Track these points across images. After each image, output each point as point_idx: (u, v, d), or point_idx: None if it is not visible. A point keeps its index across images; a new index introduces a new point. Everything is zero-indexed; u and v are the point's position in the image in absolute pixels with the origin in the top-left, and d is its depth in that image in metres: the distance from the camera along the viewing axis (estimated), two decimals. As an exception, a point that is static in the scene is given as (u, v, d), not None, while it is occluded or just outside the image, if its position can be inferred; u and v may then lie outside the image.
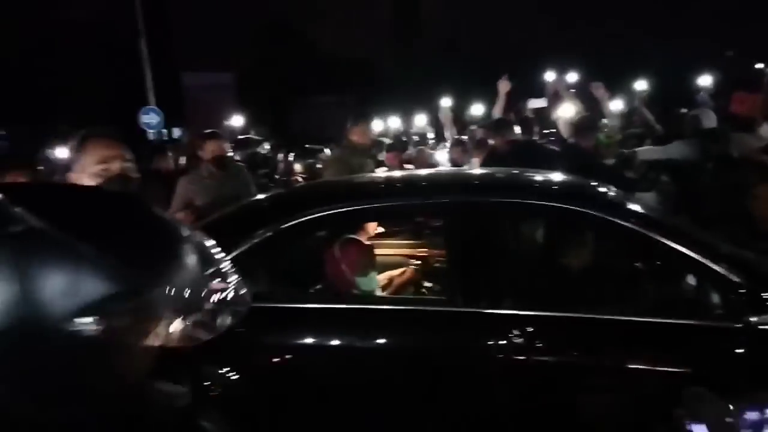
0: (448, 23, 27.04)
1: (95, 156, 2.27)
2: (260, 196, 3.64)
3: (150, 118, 15.57)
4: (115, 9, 19.88)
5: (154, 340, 0.91)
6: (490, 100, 9.88)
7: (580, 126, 5.18)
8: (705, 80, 11.72)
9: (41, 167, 6.40)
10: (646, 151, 5.50)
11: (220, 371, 2.70)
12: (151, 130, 15.53)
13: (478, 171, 4.27)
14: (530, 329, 2.63)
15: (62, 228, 0.85)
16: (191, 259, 1.04)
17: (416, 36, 29.47)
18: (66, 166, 2.46)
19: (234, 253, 2.83)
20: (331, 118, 20.33)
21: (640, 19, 21.45)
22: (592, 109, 6.78)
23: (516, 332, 2.62)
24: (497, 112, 6.92)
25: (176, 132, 22.98)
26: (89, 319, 0.81)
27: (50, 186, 1.67)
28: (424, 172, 4.12)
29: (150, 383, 0.98)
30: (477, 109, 10.30)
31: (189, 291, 0.96)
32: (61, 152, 9.70)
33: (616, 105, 6.99)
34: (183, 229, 1.12)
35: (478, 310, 2.71)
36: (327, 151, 10.19)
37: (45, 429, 0.82)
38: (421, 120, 12.09)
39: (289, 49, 27.47)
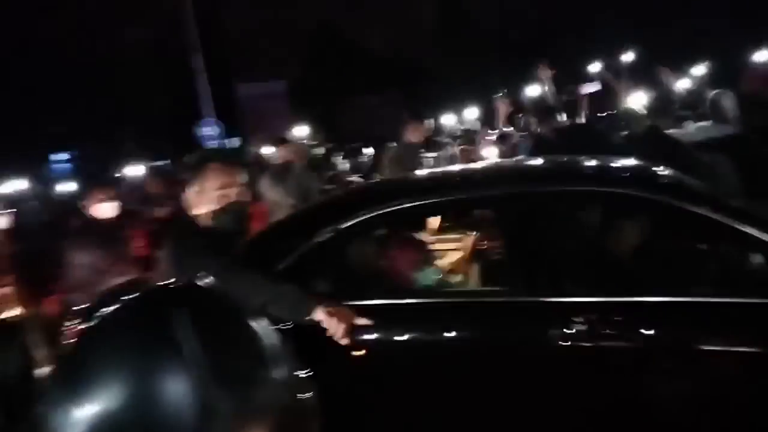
0: (493, 13, 26.76)
1: (216, 182, 2.35)
2: (321, 198, 3.78)
3: (210, 130, 15.93)
4: (170, 26, 20.56)
5: None
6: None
7: (656, 110, 5.13)
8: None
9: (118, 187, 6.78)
10: (689, 133, 5.37)
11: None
12: (212, 142, 15.91)
13: (528, 161, 4.28)
14: (595, 316, 2.65)
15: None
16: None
17: (461, 28, 29.29)
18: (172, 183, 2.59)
19: (295, 255, 2.96)
20: (379, 117, 20.48)
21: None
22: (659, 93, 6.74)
23: (580, 320, 2.65)
24: (548, 96, 6.95)
25: (235, 142, 23.59)
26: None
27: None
28: (478, 165, 4.17)
29: None
30: (533, 90, 10.22)
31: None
32: (132, 170, 10.18)
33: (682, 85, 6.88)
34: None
35: (541, 299, 2.75)
36: (367, 150, 10.32)
37: None
38: (471, 114, 12.02)
39: (337, 51, 27.81)
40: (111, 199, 4.63)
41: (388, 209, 3.02)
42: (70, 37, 22.04)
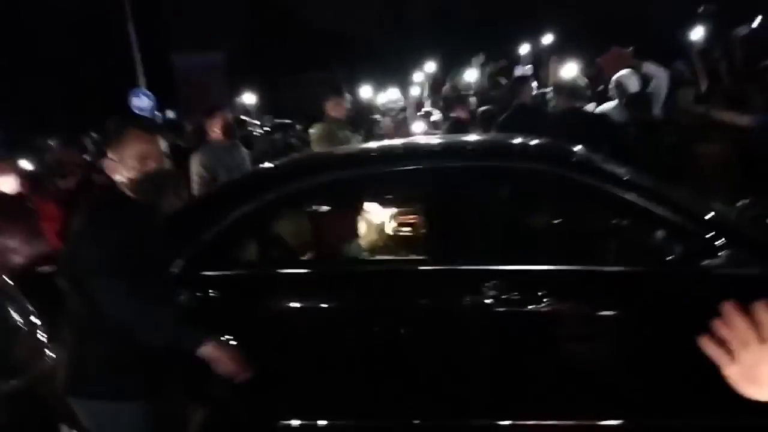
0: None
1: (134, 150, 2.28)
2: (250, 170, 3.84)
3: (141, 102, 15.45)
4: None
5: None
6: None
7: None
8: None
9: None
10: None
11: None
12: (143, 113, 15.48)
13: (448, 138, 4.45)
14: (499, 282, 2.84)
15: None
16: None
17: (404, 7, 29.30)
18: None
19: (228, 222, 3.05)
20: (323, 94, 20.34)
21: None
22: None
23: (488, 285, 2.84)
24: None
25: (169, 114, 22.99)
26: None
27: None
28: (397, 141, 4.31)
29: None
30: (470, 75, 10.35)
31: None
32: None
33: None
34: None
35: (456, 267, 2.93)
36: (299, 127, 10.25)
37: None
38: (393, 93, 11.90)
39: (279, 26, 27.38)
40: (11, 173, 4.51)
41: (311, 183, 3.13)
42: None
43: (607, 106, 5.53)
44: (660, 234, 2.97)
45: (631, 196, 2.93)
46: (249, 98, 9.55)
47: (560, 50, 8.81)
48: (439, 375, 2.95)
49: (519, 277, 2.92)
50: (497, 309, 2.86)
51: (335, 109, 5.24)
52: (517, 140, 3.55)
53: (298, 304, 3.07)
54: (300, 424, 3.01)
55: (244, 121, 12.22)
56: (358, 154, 3.75)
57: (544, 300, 2.89)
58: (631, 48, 6.47)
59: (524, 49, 10.43)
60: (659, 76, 5.77)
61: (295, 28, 27.63)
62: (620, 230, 3.26)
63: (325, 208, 3.61)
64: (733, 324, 0.94)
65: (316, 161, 3.74)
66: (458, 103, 6.82)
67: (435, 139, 3.81)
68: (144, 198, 2.33)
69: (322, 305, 3.06)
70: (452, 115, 6.73)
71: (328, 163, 3.45)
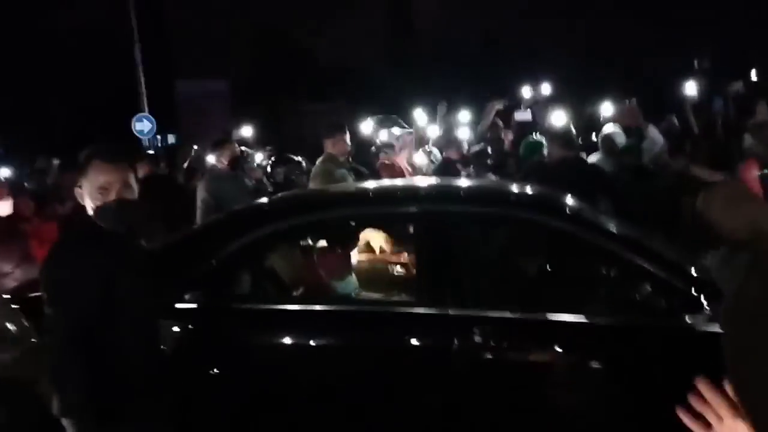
0: (440, 30, 27.27)
1: (96, 180, 2.34)
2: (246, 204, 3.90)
3: (143, 126, 15.64)
4: (111, 16, 20.08)
5: None
6: (477, 105, 10.08)
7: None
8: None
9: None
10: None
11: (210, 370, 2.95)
12: (144, 137, 15.63)
13: (440, 181, 4.50)
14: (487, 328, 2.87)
15: None
16: None
17: (408, 43, 29.73)
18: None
19: (221, 256, 3.09)
20: (324, 127, 20.51)
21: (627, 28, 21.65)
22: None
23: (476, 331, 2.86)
24: (483, 127, 7.40)
25: (170, 138, 23.16)
26: None
27: None
28: (396, 181, 4.38)
29: None
30: (464, 116, 10.39)
31: None
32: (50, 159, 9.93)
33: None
34: None
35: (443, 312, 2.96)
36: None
37: None
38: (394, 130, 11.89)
39: (283, 56, 27.74)
40: (4, 197, 4.61)
41: (309, 220, 3.18)
42: (4, 19, 21.17)
43: (594, 157, 5.63)
44: (647, 288, 3.01)
45: (620, 250, 2.98)
46: (246, 131, 9.67)
47: (557, 97, 8.92)
48: (424, 417, 2.96)
49: (507, 325, 2.95)
50: (485, 355, 2.88)
51: (336, 146, 5.26)
52: (512, 188, 3.61)
53: (286, 340, 3.10)
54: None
55: (243, 152, 12.35)
56: (352, 193, 3.81)
57: (530, 348, 2.93)
58: (634, 100, 6.69)
59: (526, 92, 10.48)
60: (656, 138, 5.98)
61: (298, 59, 28.01)
62: (609, 282, 3.30)
63: (319, 244, 3.65)
64: (706, 399, 0.98)
65: (311, 199, 3.79)
66: (450, 143, 6.89)
67: (430, 182, 3.87)
68: (109, 227, 2.37)
69: (310, 342, 3.09)
70: (443, 155, 6.82)
71: (322, 202, 3.50)
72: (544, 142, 5.74)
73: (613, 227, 3.27)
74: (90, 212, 2.39)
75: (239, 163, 5.65)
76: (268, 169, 6.92)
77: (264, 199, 4.06)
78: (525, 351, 2.99)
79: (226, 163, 5.38)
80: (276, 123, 23.50)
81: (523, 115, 9.97)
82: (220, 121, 21.86)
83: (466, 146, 7.22)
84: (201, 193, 5.16)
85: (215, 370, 2.96)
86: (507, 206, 3.30)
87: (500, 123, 8.93)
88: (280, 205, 3.59)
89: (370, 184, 4.23)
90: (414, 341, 3.00)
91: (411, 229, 3.33)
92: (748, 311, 0.66)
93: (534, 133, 6.72)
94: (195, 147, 9.86)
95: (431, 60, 27.25)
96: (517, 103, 11.06)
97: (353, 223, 3.51)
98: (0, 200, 4.58)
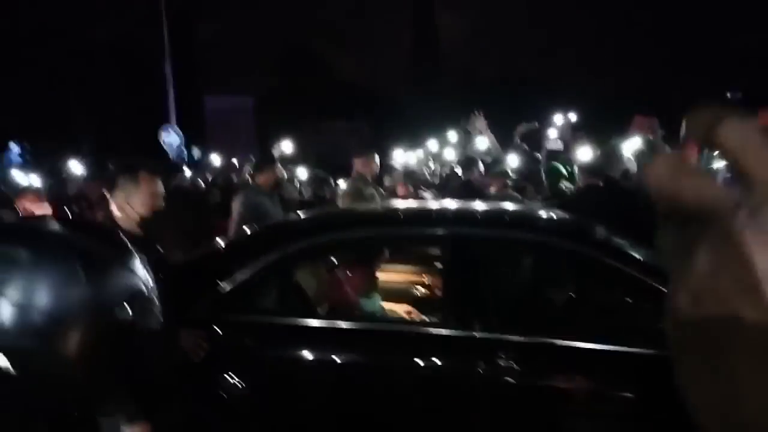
0: (467, 55, 27.44)
1: (147, 190, 2.68)
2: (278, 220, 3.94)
3: (170, 137, 15.85)
4: (142, 31, 20.51)
5: None
6: (502, 129, 10.09)
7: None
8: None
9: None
10: None
11: (232, 380, 2.97)
12: (172, 150, 15.82)
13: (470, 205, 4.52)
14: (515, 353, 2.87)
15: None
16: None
17: (435, 67, 29.94)
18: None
19: (251, 270, 3.13)
20: (345, 145, 20.69)
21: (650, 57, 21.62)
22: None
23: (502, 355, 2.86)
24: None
25: (195, 152, 23.46)
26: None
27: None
28: (426, 203, 4.41)
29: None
30: (481, 143, 10.34)
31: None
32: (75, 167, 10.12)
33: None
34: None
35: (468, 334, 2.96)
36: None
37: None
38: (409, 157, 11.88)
39: (309, 75, 28.08)
40: (40, 202, 4.72)
41: (338, 238, 3.21)
42: (39, 31, 21.71)
43: None
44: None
45: (649, 279, 2.97)
46: (287, 146, 9.75)
47: (586, 126, 8.92)
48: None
49: (533, 350, 2.94)
50: (509, 379, 2.88)
51: (365, 166, 5.37)
52: (541, 213, 3.62)
53: (310, 356, 3.11)
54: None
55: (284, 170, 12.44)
56: (382, 214, 3.84)
57: (555, 375, 2.92)
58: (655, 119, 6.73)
59: (558, 119, 10.40)
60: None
61: (324, 78, 28.33)
62: (636, 311, 3.28)
63: (346, 262, 3.68)
64: None
65: (341, 217, 3.83)
66: (471, 166, 6.94)
67: (460, 205, 3.88)
68: (147, 235, 2.53)
69: (334, 358, 3.10)
70: (464, 178, 6.85)
71: (352, 221, 3.53)
72: (562, 169, 5.81)
73: (640, 255, 3.24)
74: (125, 222, 2.50)
75: (281, 185, 5.77)
76: (297, 185, 7.02)
77: (295, 216, 4.11)
78: (550, 377, 2.97)
79: (267, 185, 5.46)
80: (300, 139, 23.70)
81: (554, 144, 9.98)
82: (245, 136, 22.13)
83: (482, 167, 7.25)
84: (237, 207, 5.23)
85: (238, 382, 2.98)
86: (536, 231, 3.29)
87: (525, 147, 8.97)
88: (311, 222, 3.63)
89: (401, 205, 4.26)
90: (438, 362, 3.00)
91: (439, 252, 3.33)
92: (693, 289, 0.64)
93: (558, 161, 6.75)
94: (233, 160, 9.95)
95: (454, 87, 27.41)
96: (542, 130, 11.03)
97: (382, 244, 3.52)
98: (38, 206, 4.67)
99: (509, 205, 3.74)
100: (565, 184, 6.15)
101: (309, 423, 3.03)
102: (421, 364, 3.01)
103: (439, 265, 3.54)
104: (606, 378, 2.93)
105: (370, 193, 5.06)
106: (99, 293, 1.13)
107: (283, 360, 3.09)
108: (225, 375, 2.98)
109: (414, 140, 16.21)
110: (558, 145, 9.73)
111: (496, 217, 3.49)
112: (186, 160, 18.56)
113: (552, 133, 10.49)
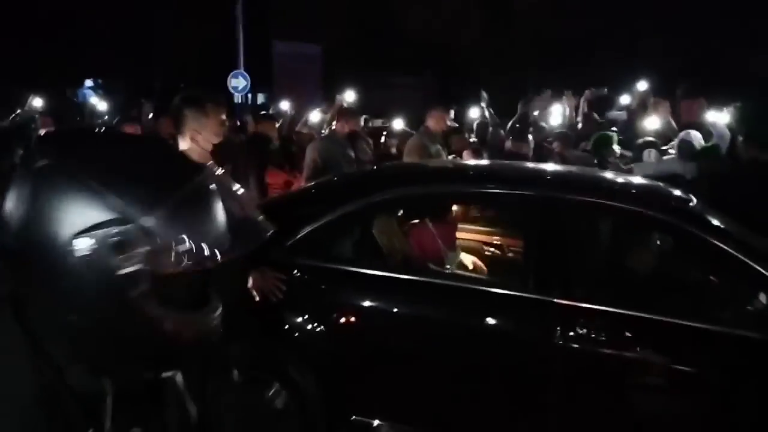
0: (539, 16, 26.49)
1: (216, 119, 2.69)
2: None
3: (238, 82, 16.07)
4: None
5: (153, 264, 1.04)
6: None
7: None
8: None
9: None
10: (644, 166, 5.28)
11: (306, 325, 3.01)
12: (238, 93, 16.06)
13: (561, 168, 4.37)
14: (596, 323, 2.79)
15: (81, 167, 1.04)
16: (197, 197, 1.10)
17: (506, 26, 29.06)
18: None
19: (329, 217, 3.13)
20: (410, 99, 20.44)
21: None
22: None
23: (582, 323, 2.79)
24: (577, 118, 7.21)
25: (260, 97, 23.63)
26: (84, 241, 0.98)
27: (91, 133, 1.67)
28: (515, 164, 4.29)
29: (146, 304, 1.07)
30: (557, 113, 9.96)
31: (194, 225, 1.06)
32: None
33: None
34: (196, 173, 1.16)
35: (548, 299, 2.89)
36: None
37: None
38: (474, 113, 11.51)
39: (379, 27, 27.68)
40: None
41: (422, 190, 3.17)
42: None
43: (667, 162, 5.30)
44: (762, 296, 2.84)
45: (738, 251, 2.82)
46: (349, 95, 9.61)
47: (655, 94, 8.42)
48: (515, 398, 2.93)
49: (613, 320, 2.86)
50: (586, 347, 2.81)
51: (437, 122, 5.24)
52: (637, 182, 3.47)
53: (384, 306, 3.12)
54: (371, 423, 3.04)
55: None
56: (471, 170, 3.75)
57: (633, 347, 2.84)
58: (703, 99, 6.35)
59: (641, 85, 9.80)
60: (723, 134, 5.63)
61: (394, 31, 27.88)
62: (723, 287, 3.14)
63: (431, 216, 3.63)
64: None
65: (426, 171, 3.76)
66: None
67: (551, 168, 3.74)
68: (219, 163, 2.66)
69: (406, 311, 3.09)
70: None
71: (439, 175, 3.47)
72: (614, 139, 5.62)
73: (731, 227, 3.08)
74: (197, 153, 2.57)
75: (357, 133, 5.74)
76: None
77: (378, 167, 4.07)
78: (628, 348, 2.89)
79: (346, 130, 5.42)
80: (365, 91, 23.55)
81: (617, 115, 9.59)
82: (311, 85, 22.11)
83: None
84: (312, 153, 5.21)
85: (310, 324, 3.02)
86: (630, 201, 3.15)
87: (596, 116, 8.64)
88: (397, 173, 3.60)
89: (489, 164, 4.18)
90: (515, 324, 2.96)
91: (523, 213, 3.23)
92: None
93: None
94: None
95: (527, 46, 26.52)
96: (611, 98, 10.57)
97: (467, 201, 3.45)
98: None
99: (604, 172, 3.59)
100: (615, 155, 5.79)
101: (372, 369, 3.05)
102: (494, 323, 2.99)
103: (519, 226, 3.46)
104: (693, 357, 2.83)
105: (435, 150, 4.95)
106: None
107: (359, 309, 3.10)
108: (299, 317, 3.03)
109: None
110: (619, 115, 9.36)
111: (590, 182, 3.37)
112: (249, 105, 18.77)
113: (624, 100, 10.06)
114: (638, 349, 2.87)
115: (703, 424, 2.79)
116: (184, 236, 1.05)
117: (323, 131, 6.71)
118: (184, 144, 2.66)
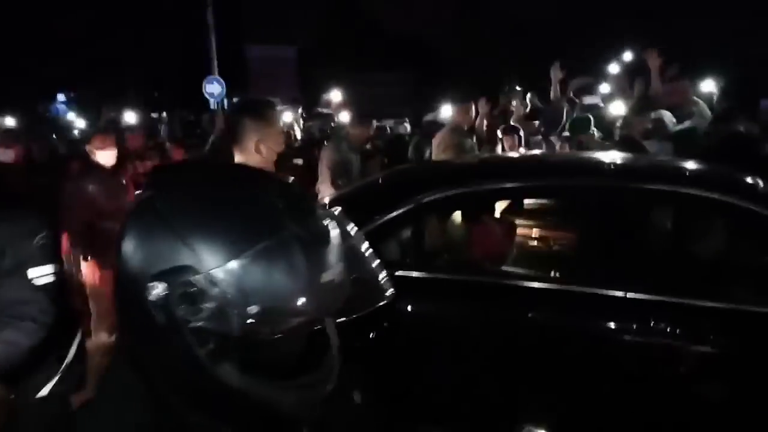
0: (515, 7, 26.55)
1: (278, 127, 2.67)
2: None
3: (213, 88, 15.80)
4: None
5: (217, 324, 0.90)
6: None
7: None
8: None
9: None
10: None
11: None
12: (213, 99, 15.79)
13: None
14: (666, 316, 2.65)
15: (166, 204, 0.94)
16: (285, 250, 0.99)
17: (481, 17, 29.10)
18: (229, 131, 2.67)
19: (378, 223, 2.94)
20: (389, 96, 20.28)
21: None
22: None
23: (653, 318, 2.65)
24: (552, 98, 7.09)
25: (236, 101, 23.30)
26: (159, 284, 0.87)
27: None
28: (573, 154, 4.13)
29: None
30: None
31: None
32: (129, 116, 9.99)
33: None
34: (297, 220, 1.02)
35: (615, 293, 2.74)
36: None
37: None
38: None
39: (352, 25, 27.50)
40: (112, 147, 4.62)
41: (480, 189, 3.00)
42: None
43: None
44: None
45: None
46: (335, 95, 9.47)
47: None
48: (580, 399, 2.79)
49: (689, 313, 2.72)
50: (663, 341, 2.67)
51: (462, 115, 5.02)
52: (686, 164, 3.33)
53: (439, 308, 2.95)
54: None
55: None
56: (527, 163, 3.57)
57: (712, 340, 2.71)
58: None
59: (613, 68, 9.86)
60: (704, 113, 5.66)
61: (367, 29, 27.71)
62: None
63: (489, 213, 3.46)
64: None
65: (483, 167, 3.57)
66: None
67: (609, 156, 3.57)
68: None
69: (464, 313, 2.92)
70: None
71: (496, 171, 3.29)
72: (590, 123, 5.56)
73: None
74: (261, 163, 2.43)
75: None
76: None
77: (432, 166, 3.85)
78: (707, 342, 2.75)
79: (358, 141, 5.20)
80: (348, 91, 23.41)
81: (591, 99, 9.58)
82: (288, 86, 21.86)
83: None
84: (332, 155, 4.94)
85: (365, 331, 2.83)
86: (698, 186, 2.99)
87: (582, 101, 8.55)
88: (453, 171, 3.42)
89: (542, 156, 4.01)
90: (592, 322, 2.80)
91: (585, 205, 3.06)
92: None
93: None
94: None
95: (501, 36, 26.58)
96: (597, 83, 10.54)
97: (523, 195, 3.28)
98: (106, 150, 4.55)
99: (659, 159, 3.45)
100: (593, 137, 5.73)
101: (436, 378, 2.87)
102: (566, 322, 2.83)
103: (578, 219, 3.29)
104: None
105: (470, 145, 4.75)
106: None
107: (410, 312, 2.91)
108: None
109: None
110: (595, 100, 9.36)
111: (656, 170, 3.21)
112: (226, 109, 18.45)
113: (604, 88, 10.08)
114: (716, 341, 2.73)
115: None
116: (255, 296, 0.86)
117: (326, 130, 6.48)
118: (244, 156, 2.49)
